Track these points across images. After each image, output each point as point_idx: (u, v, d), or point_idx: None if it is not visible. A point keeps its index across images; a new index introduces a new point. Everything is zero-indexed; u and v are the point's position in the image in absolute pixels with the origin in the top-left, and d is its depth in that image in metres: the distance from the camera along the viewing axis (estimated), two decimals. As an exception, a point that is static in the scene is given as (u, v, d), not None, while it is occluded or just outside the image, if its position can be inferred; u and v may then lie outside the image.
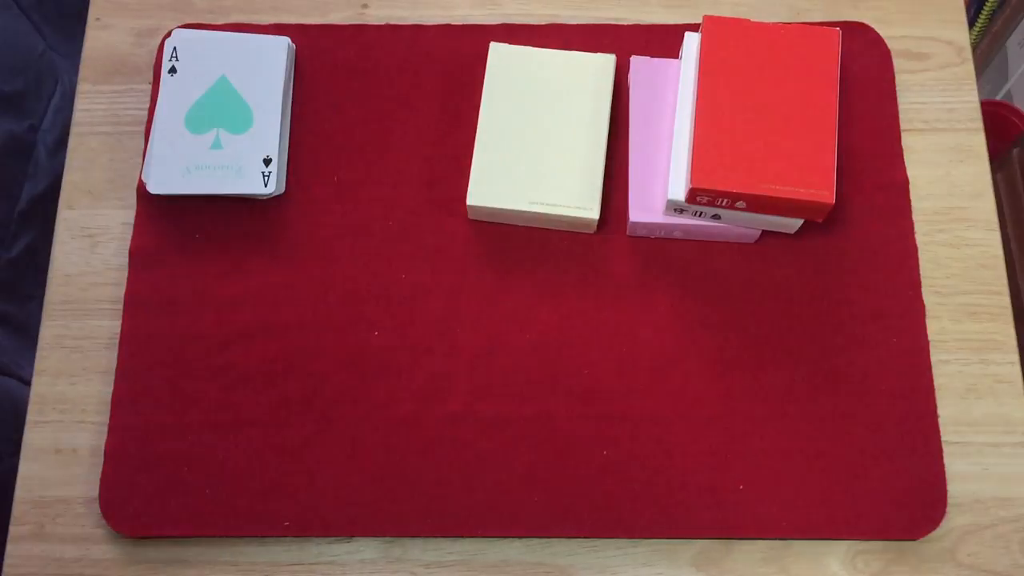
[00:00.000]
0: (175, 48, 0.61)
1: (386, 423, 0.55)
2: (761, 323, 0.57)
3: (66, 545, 0.54)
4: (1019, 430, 0.56)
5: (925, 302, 0.57)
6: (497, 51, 0.60)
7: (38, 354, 0.58)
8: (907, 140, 0.61)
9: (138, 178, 0.60)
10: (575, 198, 0.56)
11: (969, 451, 0.55)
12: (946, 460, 0.54)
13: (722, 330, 0.57)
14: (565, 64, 0.59)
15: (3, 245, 0.71)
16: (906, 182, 0.60)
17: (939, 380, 0.56)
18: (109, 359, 0.57)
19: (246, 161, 0.58)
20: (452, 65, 0.62)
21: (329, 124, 0.61)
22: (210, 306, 0.57)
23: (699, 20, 0.57)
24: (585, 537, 0.54)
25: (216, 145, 0.59)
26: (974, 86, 0.62)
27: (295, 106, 0.62)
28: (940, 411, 0.55)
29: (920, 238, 0.59)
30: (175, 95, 0.60)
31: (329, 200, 0.60)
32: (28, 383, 0.58)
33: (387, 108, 0.61)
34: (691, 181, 0.53)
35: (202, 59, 0.61)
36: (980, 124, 0.62)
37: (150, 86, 0.63)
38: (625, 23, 0.64)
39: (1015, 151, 1.00)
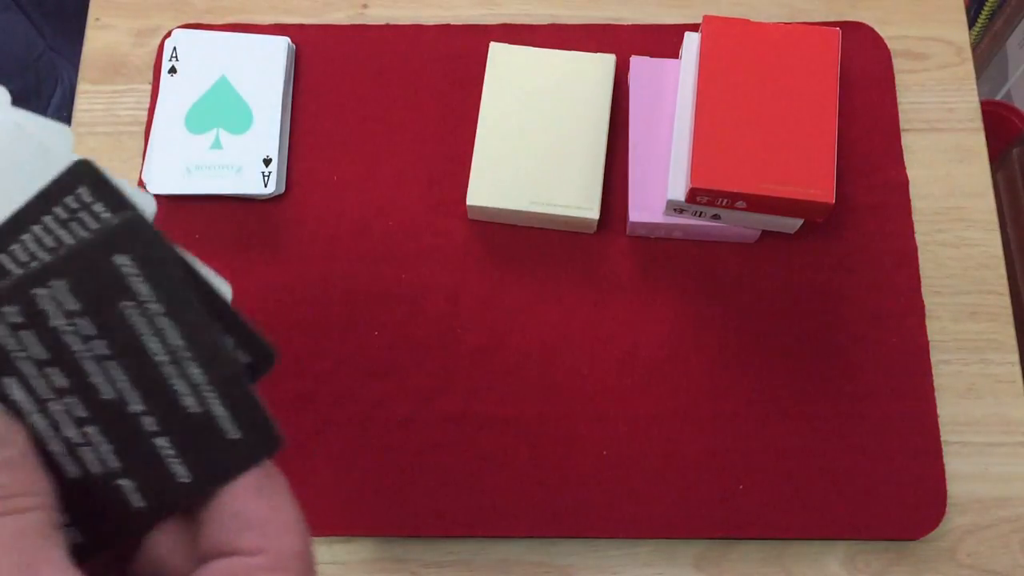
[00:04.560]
0: (175, 48, 0.61)
1: (386, 423, 0.55)
2: (761, 323, 0.57)
3: (66, 545, 0.54)
4: (1019, 430, 0.56)
5: (925, 302, 0.57)
6: (497, 51, 0.60)
7: (38, 354, 0.58)
8: (907, 140, 0.61)
9: (138, 178, 0.60)
10: (575, 198, 0.56)
11: (969, 451, 0.55)
12: (946, 460, 0.54)
13: (722, 330, 0.57)
14: (565, 64, 0.59)
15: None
16: (906, 182, 0.60)
17: (939, 380, 0.56)
18: (109, 359, 0.57)
19: (246, 161, 0.58)
20: (452, 65, 0.62)
21: (329, 124, 0.61)
22: (210, 306, 0.57)
23: (699, 20, 0.57)
24: (585, 537, 0.54)
25: (216, 145, 0.59)
26: (974, 86, 0.62)
27: (295, 106, 0.62)
28: (940, 411, 0.55)
29: (920, 238, 0.59)
30: (175, 95, 0.60)
31: (329, 200, 0.60)
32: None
33: (387, 108, 0.61)
34: (691, 181, 0.53)
35: (202, 59, 0.61)
36: (980, 124, 0.62)
37: (150, 86, 0.63)
38: (625, 23, 0.64)
39: (1015, 151, 1.00)
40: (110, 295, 0.25)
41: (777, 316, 0.57)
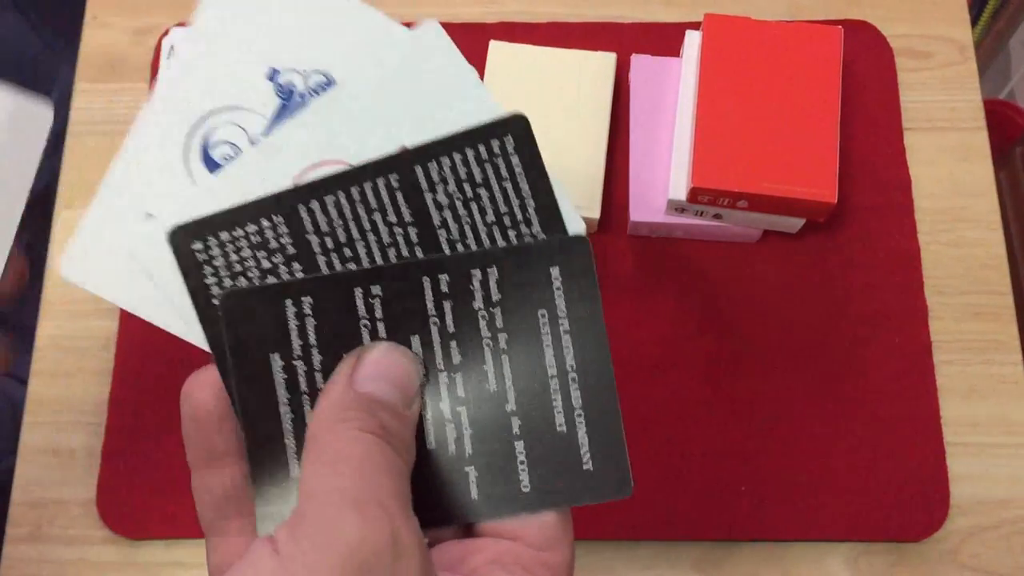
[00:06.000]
0: (172, 47, 0.60)
1: (385, 424, 0.55)
2: (762, 323, 0.56)
3: (63, 547, 0.54)
4: (1022, 431, 0.55)
5: (927, 302, 0.57)
6: (497, 49, 0.59)
7: (34, 354, 0.57)
8: (909, 139, 0.60)
9: (136, 177, 0.60)
10: (575, 198, 0.56)
11: (971, 452, 0.55)
12: (948, 461, 0.54)
13: (723, 330, 0.56)
14: (565, 63, 0.59)
15: (0, 244, 0.70)
16: (908, 181, 0.59)
17: (941, 381, 0.56)
18: (106, 359, 0.57)
19: (244, 160, 0.58)
20: (451, 64, 0.62)
21: (328, 123, 0.61)
22: (208, 306, 0.57)
23: (700, 18, 0.57)
24: (585, 539, 0.54)
25: (214, 144, 0.58)
26: (977, 85, 0.62)
27: (293, 105, 0.61)
28: (942, 412, 0.55)
29: (922, 238, 0.58)
30: (173, 94, 0.59)
31: (328, 199, 0.59)
32: (26, 383, 0.57)
33: (386, 107, 0.61)
34: (692, 180, 0.53)
35: (200, 57, 0.60)
36: (983, 123, 0.61)
37: (148, 85, 0.62)
38: (626, 21, 0.63)
39: (1018, 150, 1.00)
40: (533, 299, 0.27)
41: (779, 316, 0.56)
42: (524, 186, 0.29)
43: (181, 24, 0.62)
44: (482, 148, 0.29)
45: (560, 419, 0.27)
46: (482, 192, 0.28)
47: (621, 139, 0.59)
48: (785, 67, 0.54)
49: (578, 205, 0.56)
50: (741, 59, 0.55)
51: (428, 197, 0.28)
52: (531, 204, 0.29)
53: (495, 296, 0.27)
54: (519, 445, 0.27)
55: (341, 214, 0.28)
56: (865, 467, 0.54)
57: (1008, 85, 1.06)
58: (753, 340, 0.56)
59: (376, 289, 0.27)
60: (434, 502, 0.27)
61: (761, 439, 0.54)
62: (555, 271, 0.27)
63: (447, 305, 0.27)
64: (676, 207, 0.55)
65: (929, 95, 0.62)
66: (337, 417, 0.25)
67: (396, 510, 0.23)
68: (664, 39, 0.61)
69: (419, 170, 0.28)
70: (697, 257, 0.58)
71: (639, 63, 0.60)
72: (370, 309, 0.27)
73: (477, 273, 0.27)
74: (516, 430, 0.27)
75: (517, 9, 0.64)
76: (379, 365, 0.26)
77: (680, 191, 0.54)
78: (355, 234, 0.28)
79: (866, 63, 0.61)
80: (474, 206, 0.28)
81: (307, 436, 0.25)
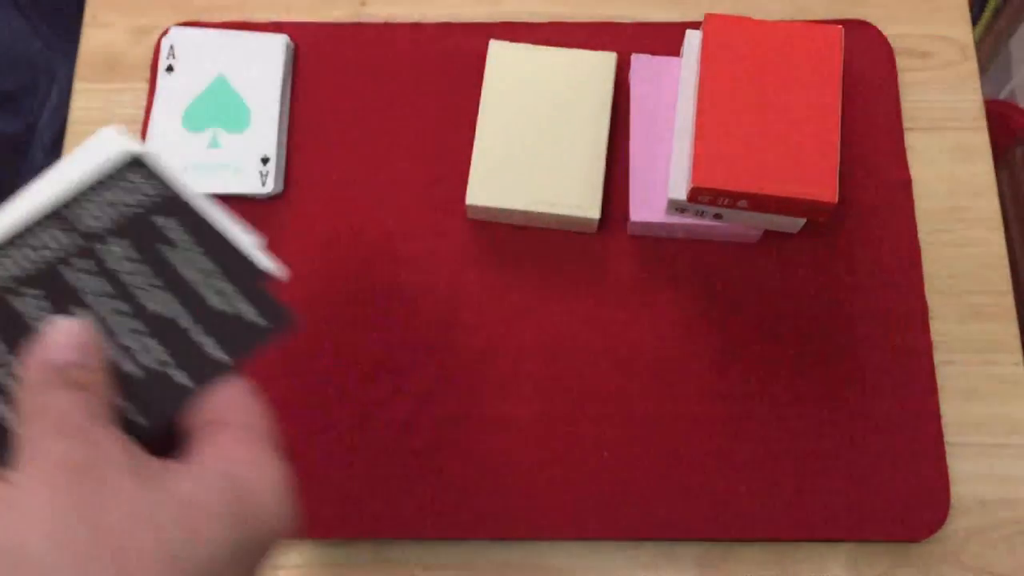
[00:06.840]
0: (172, 46, 0.61)
1: (386, 424, 0.55)
2: (762, 323, 0.56)
3: (62, 547, 0.54)
4: (1022, 431, 0.55)
5: (928, 302, 0.57)
6: (497, 49, 0.59)
7: (34, 355, 0.57)
8: (910, 139, 0.60)
9: (135, 177, 0.59)
10: (575, 198, 0.56)
11: (972, 452, 0.55)
12: (949, 461, 0.54)
13: (723, 330, 0.56)
14: (565, 62, 0.59)
15: None
16: (909, 181, 0.59)
17: (942, 381, 0.56)
18: (106, 360, 0.56)
19: (244, 160, 0.58)
20: (452, 63, 0.62)
21: (328, 123, 0.61)
22: (207, 306, 0.57)
23: (701, 18, 0.57)
24: (586, 539, 0.54)
25: (213, 144, 0.58)
26: (977, 85, 0.62)
27: (293, 105, 0.61)
28: (943, 412, 0.55)
29: (923, 238, 0.58)
30: (172, 93, 0.60)
31: (327, 200, 0.59)
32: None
33: (386, 107, 0.61)
34: (692, 180, 0.53)
35: (199, 57, 0.60)
36: (983, 123, 0.61)
37: (147, 84, 0.62)
38: (626, 21, 0.63)
39: (1018, 150, 1.00)
40: (154, 242, 0.35)
41: (779, 316, 0.56)
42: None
43: (181, 24, 0.62)
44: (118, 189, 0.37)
45: (215, 300, 0.34)
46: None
47: (621, 139, 0.59)
48: (785, 67, 0.54)
49: (578, 205, 0.56)
50: (741, 59, 0.55)
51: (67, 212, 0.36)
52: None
53: (134, 256, 0.34)
54: (196, 331, 0.34)
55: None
56: (866, 467, 0.54)
57: (1008, 85, 1.06)
58: (753, 340, 0.56)
59: (31, 291, 0.34)
60: (157, 406, 0.33)
61: (761, 439, 0.54)
62: (160, 219, 0.35)
63: (98, 280, 0.34)
64: (676, 207, 0.55)
65: (929, 95, 0.62)
66: (33, 387, 0.31)
67: (91, 425, 0.30)
68: (664, 39, 0.61)
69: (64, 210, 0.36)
70: (697, 257, 0.58)
71: (639, 63, 0.60)
72: (31, 306, 0.34)
73: (100, 247, 0.34)
74: (188, 324, 0.34)
75: (517, 9, 0.64)
76: (55, 336, 0.32)
77: (680, 191, 0.54)
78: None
79: (867, 63, 0.61)
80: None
81: (18, 407, 0.31)
